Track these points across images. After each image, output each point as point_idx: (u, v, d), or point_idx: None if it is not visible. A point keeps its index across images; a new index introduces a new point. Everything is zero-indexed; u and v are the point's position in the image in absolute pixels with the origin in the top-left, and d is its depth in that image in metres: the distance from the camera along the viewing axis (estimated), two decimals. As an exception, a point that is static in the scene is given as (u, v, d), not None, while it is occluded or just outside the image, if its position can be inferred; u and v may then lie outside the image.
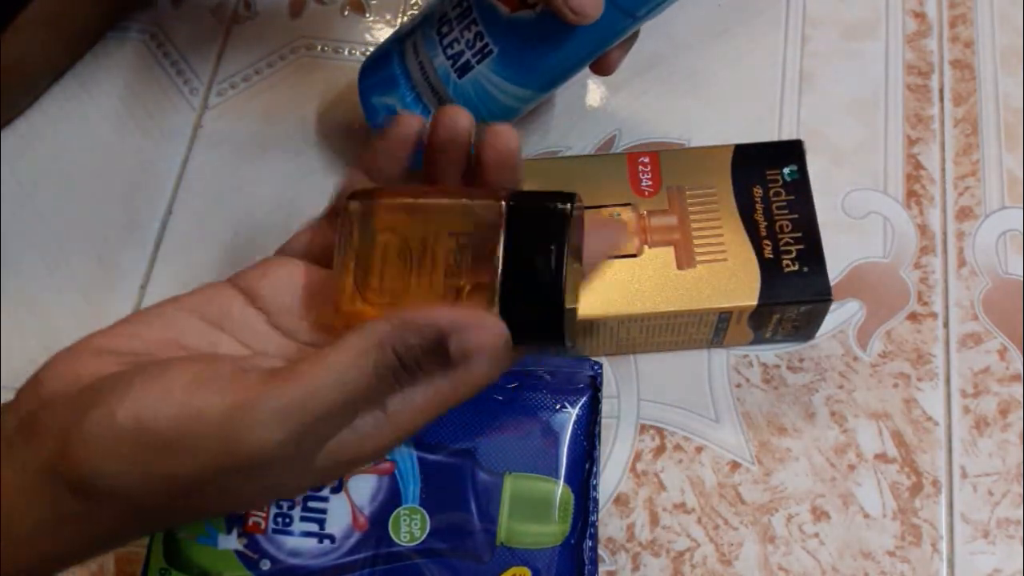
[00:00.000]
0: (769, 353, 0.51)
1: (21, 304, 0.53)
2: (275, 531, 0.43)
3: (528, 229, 0.33)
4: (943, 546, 0.47)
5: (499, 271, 0.32)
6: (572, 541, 0.43)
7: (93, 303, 0.53)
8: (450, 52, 0.48)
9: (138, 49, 0.60)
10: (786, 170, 0.49)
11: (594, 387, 0.45)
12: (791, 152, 0.50)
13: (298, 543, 0.43)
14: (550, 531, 0.43)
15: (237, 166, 0.56)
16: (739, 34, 0.59)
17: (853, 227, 0.54)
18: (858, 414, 0.50)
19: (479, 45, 0.47)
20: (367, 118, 0.51)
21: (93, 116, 0.58)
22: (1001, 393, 0.50)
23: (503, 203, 0.33)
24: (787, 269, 0.47)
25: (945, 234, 0.54)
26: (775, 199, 0.49)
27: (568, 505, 0.44)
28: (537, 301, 0.32)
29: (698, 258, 0.48)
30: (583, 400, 0.45)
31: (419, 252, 0.34)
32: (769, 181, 0.49)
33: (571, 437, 0.44)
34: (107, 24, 0.60)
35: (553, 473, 0.44)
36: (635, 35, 0.48)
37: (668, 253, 0.47)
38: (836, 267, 0.52)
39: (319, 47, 0.60)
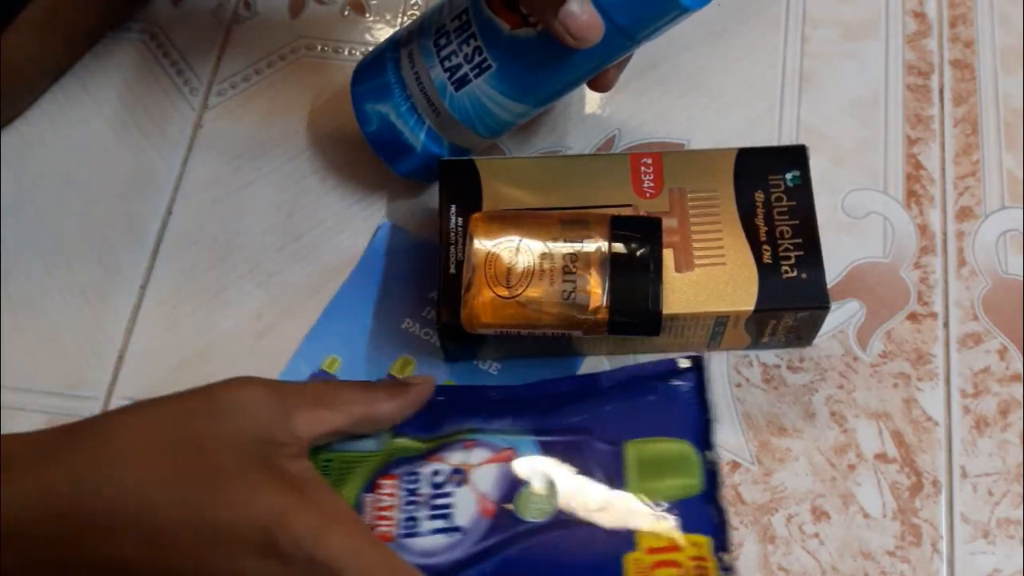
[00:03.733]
0: (769, 353, 0.51)
1: (21, 304, 0.53)
2: (404, 536, 0.42)
3: (629, 235, 0.45)
4: (943, 546, 0.47)
5: (608, 277, 0.44)
6: (707, 492, 0.44)
7: (93, 303, 0.53)
8: (447, 65, 0.48)
9: (138, 49, 0.60)
10: (788, 176, 0.49)
11: (699, 367, 0.46)
12: (794, 157, 0.50)
13: (428, 542, 0.42)
14: (682, 483, 0.43)
15: (237, 166, 0.56)
16: (739, 34, 0.59)
17: (853, 227, 0.54)
18: (858, 414, 0.49)
19: (478, 60, 0.47)
20: (360, 125, 0.51)
21: (93, 116, 0.58)
22: (1001, 393, 0.50)
23: (608, 216, 0.45)
24: (785, 275, 0.47)
25: (945, 234, 0.54)
26: (776, 204, 0.49)
27: (692, 460, 0.44)
28: (639, 308, 0.44)
29: (696, 261, 0.47)
30: (690, 375, 0.46)
31: (540, 255, 0.44)
32: (771, 186, 0.49)
33: (685, 404, 0.45)
34: (107, 24, 0.60)
35: (673, 435, 0.45)
36: (630, 55, 0.48)
37: (667, 255, 0.47)
38: (836, 267, 0.52)
39: (319, 47, 0.60)
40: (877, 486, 0.48)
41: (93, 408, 0.50)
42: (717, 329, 0.48)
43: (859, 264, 0.53)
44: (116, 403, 0.50)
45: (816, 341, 0.51)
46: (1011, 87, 0.57)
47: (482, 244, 0.45)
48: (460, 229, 0.48)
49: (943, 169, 0.55)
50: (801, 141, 0.50)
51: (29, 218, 0.55)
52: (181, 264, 0.54)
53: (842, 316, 0.52)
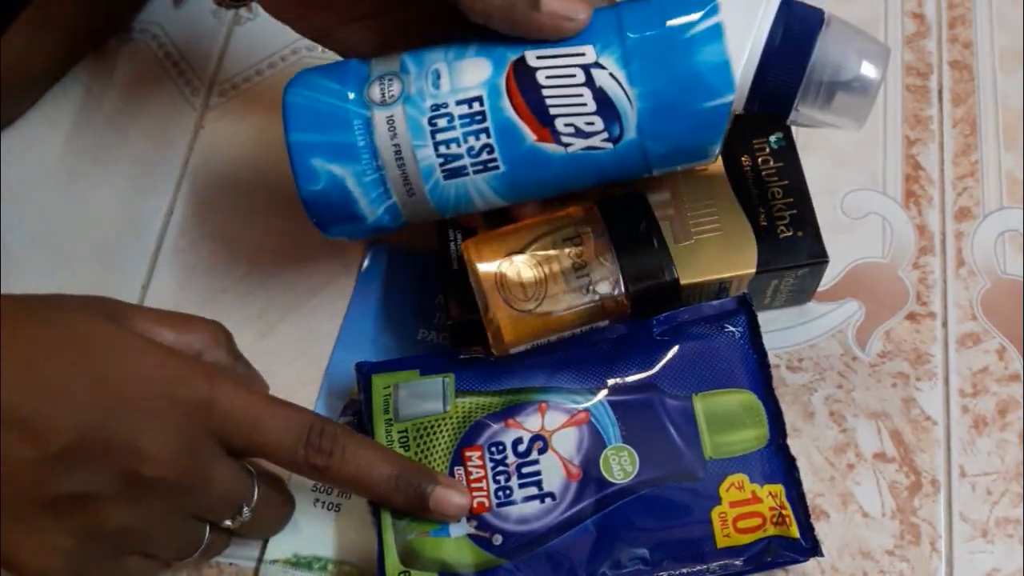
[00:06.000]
0: (768, 353, 0.51)
1: (22, 304, 0.53)
2: (499, 505, 0.43)
3: (620, 212, 0.44)
4: (942, 545, 0.47)
5: (616, 261, 0.43)
6: (775, 441, 0.45)
7: (94, 303, 0.53)
8: (443, 151, 0.42)
9: (139, 50, 0.60)
10: (772, 138, 0.50)
11: (746, 304, 0.46)
12: (775, 120, 0.50)
13: (523, 510, 0.43)
14: (752, 435, 0.44)
15: (238, 167, 0.56)
16: (738, 35, 0.59)
17: (852, 227, 0.54)
18: (857, 414, 0.50)
19: (485, 158, 0.42)
20: (297, 178, 0.43)
21: (93, 116, 0.58)
22: (1000, 393, 0.50)
23: (592, 205, 0.45)
24: (782, 235, 0.48)
25: (944, 234, 0.54)
26: (764, 167, 0.49)
27: (759, 410, 0.45)
28: (657, 282, 0.44)
29: (694, 231, 0.48)
30: (741, 318, 0.46)
31: (544, 261, 0.44)
32: (756, 150, 0.50)
33: (741, 351, 0.46)
34: (108, 24, 0.60)
35: (735, 384, 0.45)
36: None
37: (664, 228, 0.48)
38: (835, 267, 0.53)
39: (320, 48, 0.60)
40: (876, 485, 0.48)
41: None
42: (721, 295, 0.48)
43: (858, 264, 0.53)
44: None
45: (815, 341, 0.51)
46: (1010, 87, 0.58)
47: (487, 267, 0.44)
48: (456, 225, 0.48)
49: (942, 169, 0.56)
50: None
51: (29, 218, 0.55)
52: (182, 264, 0.54)
53: (841, 316, 0.52)
